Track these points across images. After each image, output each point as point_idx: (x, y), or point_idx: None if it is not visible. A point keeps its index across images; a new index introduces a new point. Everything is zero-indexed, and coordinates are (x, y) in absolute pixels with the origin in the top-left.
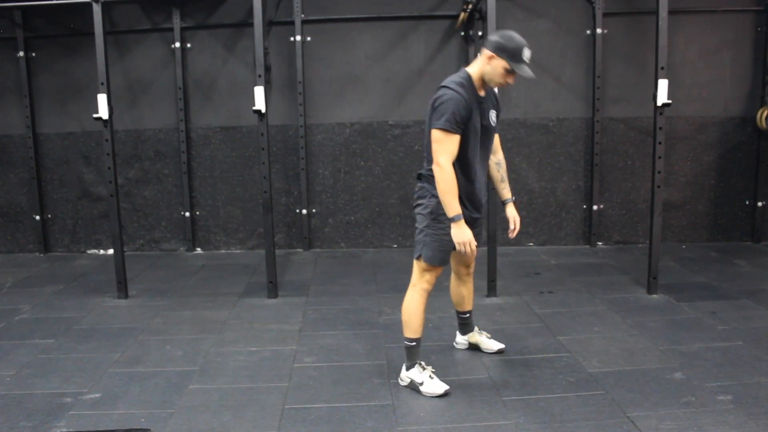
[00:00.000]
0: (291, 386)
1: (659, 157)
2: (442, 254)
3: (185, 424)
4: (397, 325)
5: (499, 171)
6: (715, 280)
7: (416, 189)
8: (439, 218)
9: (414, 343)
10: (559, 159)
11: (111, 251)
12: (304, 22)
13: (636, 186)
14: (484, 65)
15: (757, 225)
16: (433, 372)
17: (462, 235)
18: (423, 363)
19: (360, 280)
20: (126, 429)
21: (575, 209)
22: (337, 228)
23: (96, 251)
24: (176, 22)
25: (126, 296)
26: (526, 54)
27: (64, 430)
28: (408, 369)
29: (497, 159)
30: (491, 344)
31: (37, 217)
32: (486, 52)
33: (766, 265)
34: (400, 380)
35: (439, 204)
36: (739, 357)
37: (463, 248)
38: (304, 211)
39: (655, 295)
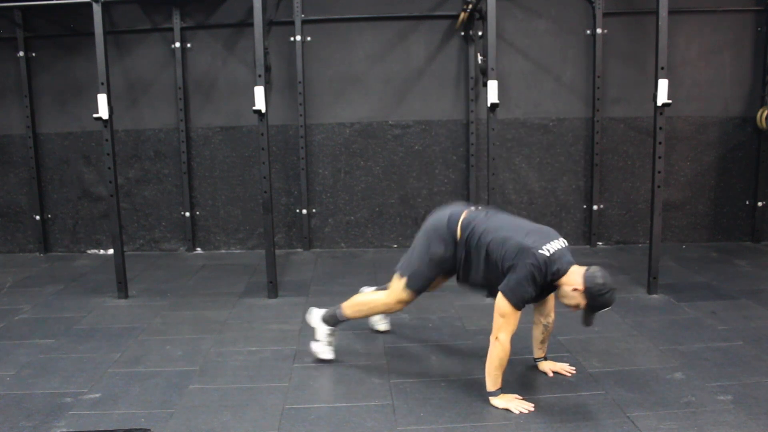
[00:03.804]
0: (291, 386)
1: (659, 157)
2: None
3: (185, 424)
4: (397, 325)
5: (542, 333)
6: (715, 280)
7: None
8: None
9: (344, 320)
10: (559, 159)
11: (111, 251)
12: (304, 22)
13: (636, 186)
14: (568, 288)
15: (757, 225)
16: (329, 343)
17: (508, 403)
18: (335, 332)
19: (360, 280)
20: (126, 429)
21: (575, 209)
22: (337, 228)
23: (96, 251)
24: (176, 22)
25: (126, 296)
26: (604, 311)
27: (64, 430)
28: (323, 321)
29: (546, 321)
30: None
31: (37, 217)
32: (579, 281)
33: (766, 265)
34: (308, 316)
35: None
36: (739, 357)
37: (518, 410)
38: (304, 211)
39: (655, 295)
